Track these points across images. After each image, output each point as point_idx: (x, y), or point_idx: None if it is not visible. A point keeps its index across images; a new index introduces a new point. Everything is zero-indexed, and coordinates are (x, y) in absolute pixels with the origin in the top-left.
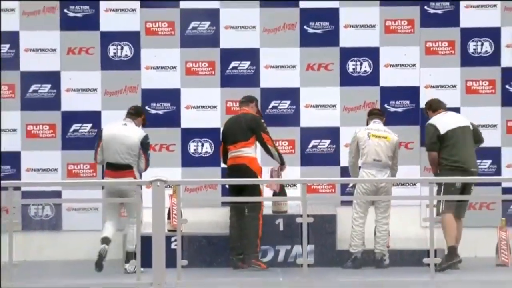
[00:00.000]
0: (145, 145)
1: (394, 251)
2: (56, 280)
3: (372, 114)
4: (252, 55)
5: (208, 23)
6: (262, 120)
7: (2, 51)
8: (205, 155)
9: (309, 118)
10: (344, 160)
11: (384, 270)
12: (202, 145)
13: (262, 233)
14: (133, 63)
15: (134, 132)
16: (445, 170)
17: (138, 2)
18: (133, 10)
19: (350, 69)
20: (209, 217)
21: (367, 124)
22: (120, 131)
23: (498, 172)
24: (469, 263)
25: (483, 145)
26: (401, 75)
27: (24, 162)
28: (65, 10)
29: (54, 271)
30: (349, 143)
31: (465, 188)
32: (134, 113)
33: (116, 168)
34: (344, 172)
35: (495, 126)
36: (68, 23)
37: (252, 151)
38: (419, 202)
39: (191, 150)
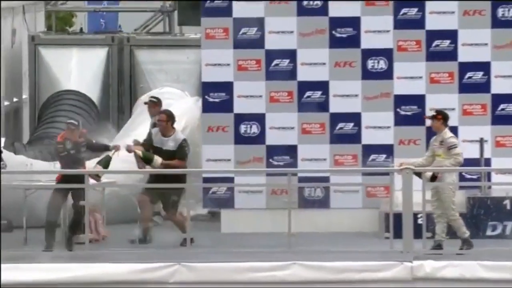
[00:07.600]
0: None
1: None
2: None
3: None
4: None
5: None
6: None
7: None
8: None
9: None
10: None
11: None
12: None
13: None
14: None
15: None
16: None
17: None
18: (387, 31)
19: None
20: None
21: None
22: None
23: None
24: None
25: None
26: None
27: (300, 153)
28: (333, 32)
29: (324, 240)
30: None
31: None
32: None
33: None
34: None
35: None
36: (335, 42)
37: None
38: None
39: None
